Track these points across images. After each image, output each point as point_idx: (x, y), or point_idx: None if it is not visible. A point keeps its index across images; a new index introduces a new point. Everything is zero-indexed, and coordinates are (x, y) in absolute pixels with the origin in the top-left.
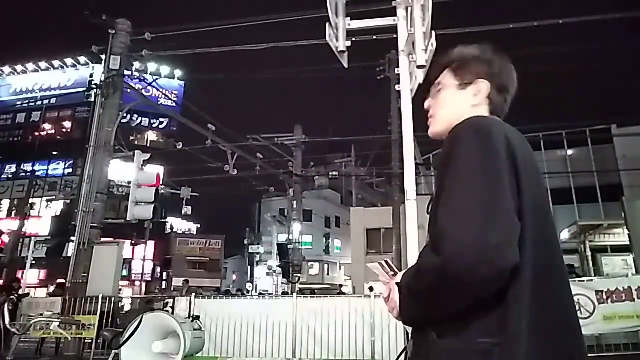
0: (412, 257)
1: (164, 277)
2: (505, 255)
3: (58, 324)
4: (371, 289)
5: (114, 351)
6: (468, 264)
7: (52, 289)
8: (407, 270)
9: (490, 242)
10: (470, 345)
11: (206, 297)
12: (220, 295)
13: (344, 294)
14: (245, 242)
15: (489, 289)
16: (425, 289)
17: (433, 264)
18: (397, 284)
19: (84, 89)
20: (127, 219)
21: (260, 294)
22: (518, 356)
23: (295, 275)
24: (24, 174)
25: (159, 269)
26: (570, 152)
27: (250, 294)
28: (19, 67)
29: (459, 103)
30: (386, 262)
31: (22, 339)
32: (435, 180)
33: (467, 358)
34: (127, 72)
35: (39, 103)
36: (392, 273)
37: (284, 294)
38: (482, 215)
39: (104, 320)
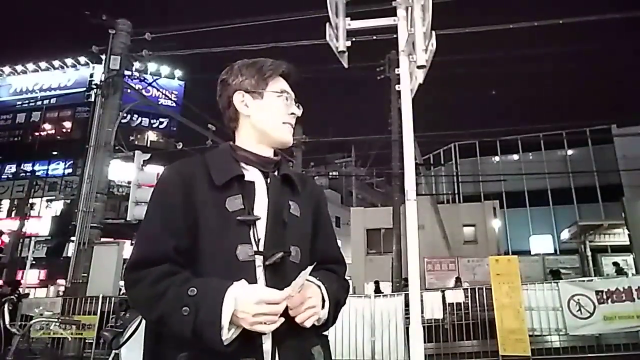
0: (412, 257)
1: None
2: None
3: (58, 324)
4: (376, 282)
5: (114, 351)
6: None
7: (52, 289)
8: (324, 281)
9: None
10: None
11: None
12: None
13: None
14: None
15: None
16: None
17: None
18: (332, 293)
19: (84, 89)
20: (127, 219)
21: None
22: None
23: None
24: (24, 174)
25: None
26: (570, 152)
27: None
28: (19, 67)
29: None
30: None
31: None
32: (313, 204)
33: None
34: (127, 72)
35: (39, 103)
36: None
37: None
38: None
39: (104, 320)
